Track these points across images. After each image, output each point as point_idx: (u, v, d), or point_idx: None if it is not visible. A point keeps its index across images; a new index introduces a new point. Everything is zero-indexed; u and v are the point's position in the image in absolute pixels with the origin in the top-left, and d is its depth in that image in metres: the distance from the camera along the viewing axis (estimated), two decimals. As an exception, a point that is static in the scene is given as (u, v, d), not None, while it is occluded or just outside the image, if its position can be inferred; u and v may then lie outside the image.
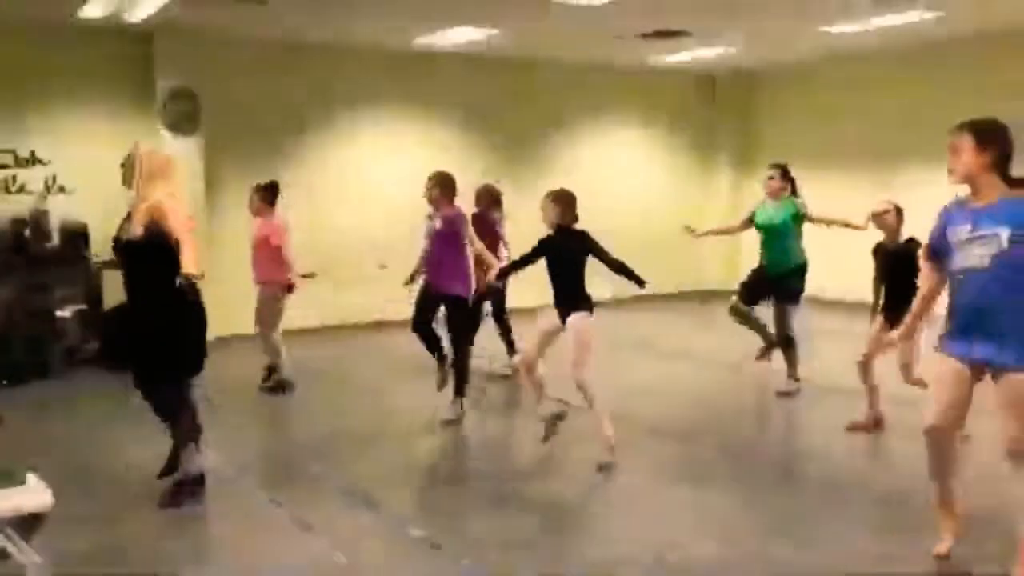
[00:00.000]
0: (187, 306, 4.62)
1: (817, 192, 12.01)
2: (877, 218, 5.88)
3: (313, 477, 5.39)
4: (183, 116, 9.62)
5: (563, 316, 5.32)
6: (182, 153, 9.32)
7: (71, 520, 4.25)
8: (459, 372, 6.41)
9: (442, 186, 6.36)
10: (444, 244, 6.32)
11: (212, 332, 9.08)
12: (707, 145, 13.71)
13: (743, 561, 4.11)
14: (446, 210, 6.34)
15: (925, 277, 4.02)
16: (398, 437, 6.30)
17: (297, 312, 10.11)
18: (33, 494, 3.57)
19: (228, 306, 9.78)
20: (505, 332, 7.77)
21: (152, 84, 9.52)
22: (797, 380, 7.17)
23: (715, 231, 8.17)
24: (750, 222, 7.24)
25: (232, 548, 4.45)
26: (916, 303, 4.12)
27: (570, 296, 5.32)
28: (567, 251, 5.32)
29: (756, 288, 7.20)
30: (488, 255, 6.45)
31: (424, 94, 11.41)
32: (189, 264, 4.52)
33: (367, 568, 4.13)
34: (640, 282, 5.31)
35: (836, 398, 7.01)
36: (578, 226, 5.43)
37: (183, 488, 4.85)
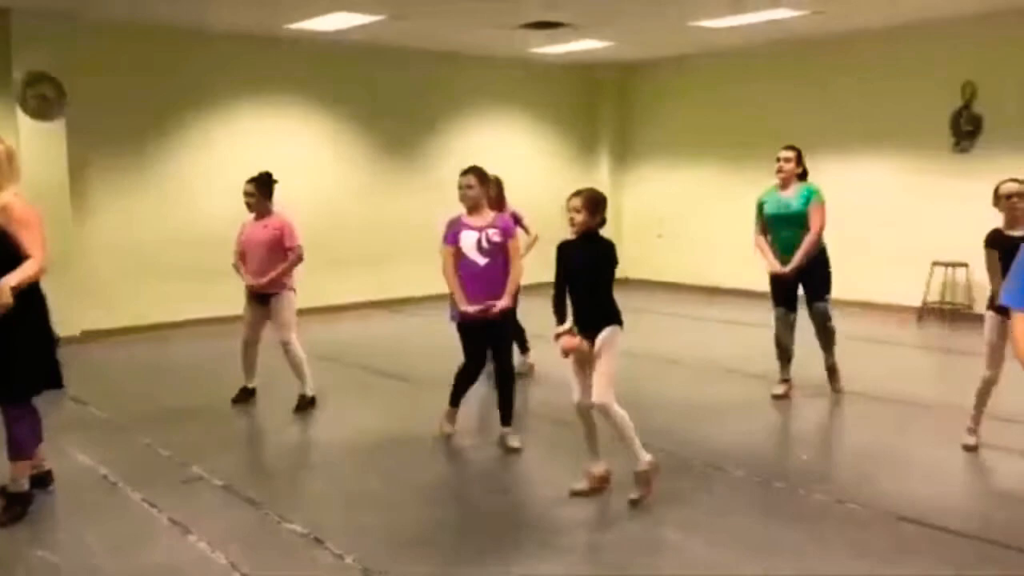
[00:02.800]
0: (31, 314, 4.38)
1: (695, 182, 12.92)
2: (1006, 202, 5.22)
3: (189, 476, 5.26)
4: (44, 102, 9.11)
5: (590, 334, 4.57)
6: (43, 140, 8.97)
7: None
8: (512, 397, 5.69)
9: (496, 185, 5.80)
10: (500, 255, 5.52)
11: (78, 327, 8.78)
12: (589, 136, 14.03)
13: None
14: (500, 215, 5.76)
15: None
16: (276, 432, 6.25)
17: (182, 306, 10.10)
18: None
19: (94, 299, 9.50)
20: (517, 331, 7.38)
21: (8, 66, 8.99)
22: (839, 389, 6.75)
23: (764, 252, 6.70)
24: (763, 216, 6.57)
25: (109, 554, 4.27)
26: None
27: (598, 311, 4.60)
28: (591, 260, 4.58)
29: (785, 290, 6.56)
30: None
31: (304, 82, 11.23)
32: (12, 281, 4.23)
33: (251, 567, 4.06)
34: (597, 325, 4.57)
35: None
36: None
37: (11, 502, 4.61)
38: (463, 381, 5.77)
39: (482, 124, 12.89)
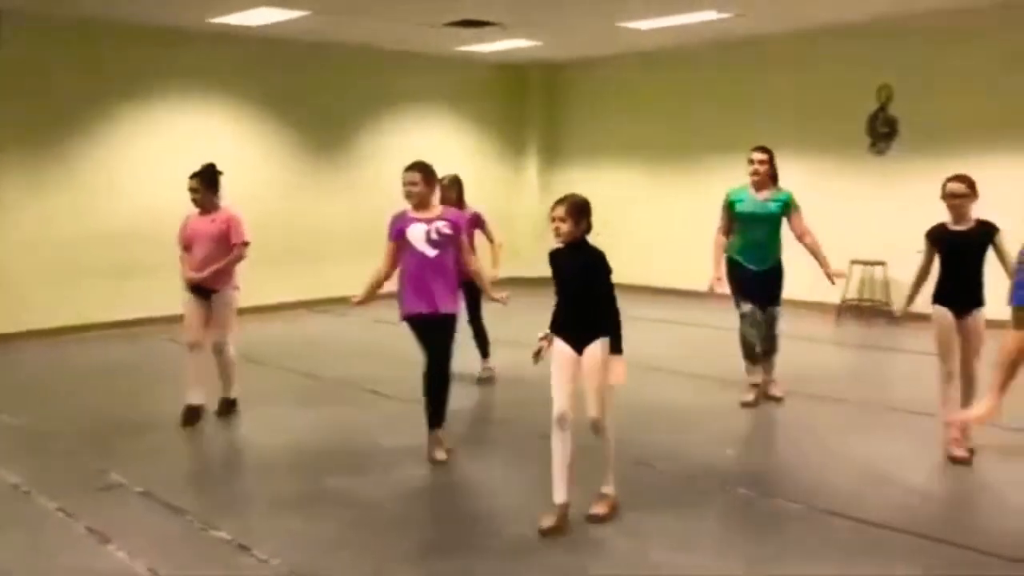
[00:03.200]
0: None
1: (624, 183, 12.88)
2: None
3: (108, 483, 5.10)
4: None
5: (578, 345, 4.38)
6: None
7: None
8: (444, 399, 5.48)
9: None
10: (450, 248, 5.39)
11: None
12: (517, 136, 14.04)
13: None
14: (448, 208, 5.64)
15: None
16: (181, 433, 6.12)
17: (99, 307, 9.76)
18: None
19: (9, 300, 9.28)
20: (480, 335, 7.35)
21: None
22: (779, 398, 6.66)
23: (716, 258, 6.60)
24: (731, 215, 6.43)
25: (23, 564, 4.12)
26: None
27: (588, 321, 4.39)
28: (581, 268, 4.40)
29: (755, 287, 6.42)
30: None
31: (230, 77, 11.00)
32: None
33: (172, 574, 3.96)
34: (616, 349, 4.34)
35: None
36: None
37: None
38: (433, 388, 5.42)
39: (410, 122, 12.75)
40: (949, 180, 5.26)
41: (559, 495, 4.31)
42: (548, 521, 4.28)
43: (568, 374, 4.32)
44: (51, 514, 4.65)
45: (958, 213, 5.25)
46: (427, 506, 4.89)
